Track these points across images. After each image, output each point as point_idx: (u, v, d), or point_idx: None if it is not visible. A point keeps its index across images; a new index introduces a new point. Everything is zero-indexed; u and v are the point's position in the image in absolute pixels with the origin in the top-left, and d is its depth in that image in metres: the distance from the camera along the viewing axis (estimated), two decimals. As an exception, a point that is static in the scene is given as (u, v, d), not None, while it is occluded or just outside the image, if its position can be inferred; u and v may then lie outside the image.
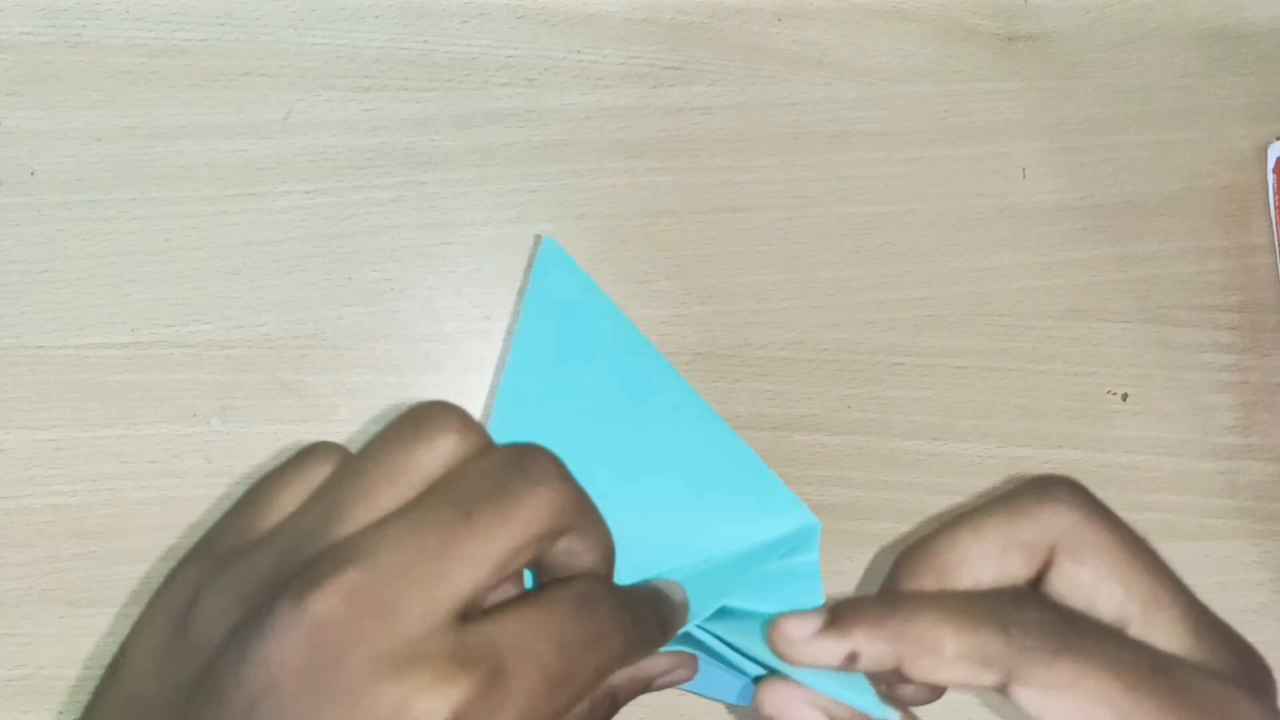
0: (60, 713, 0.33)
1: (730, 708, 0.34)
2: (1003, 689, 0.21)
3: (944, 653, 0.21)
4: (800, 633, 0.22)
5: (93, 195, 0.34)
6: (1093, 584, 0.22)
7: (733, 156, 0.35)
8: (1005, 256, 0.36)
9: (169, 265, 0.34)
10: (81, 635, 0.33)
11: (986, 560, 0.22)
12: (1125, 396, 0.36)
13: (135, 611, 0.33)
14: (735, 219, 0.35)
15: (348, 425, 0.34)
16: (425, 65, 0.34)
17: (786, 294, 0.35)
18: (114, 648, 0.32)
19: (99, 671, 0.33)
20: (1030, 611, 0.21)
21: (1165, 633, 0.22)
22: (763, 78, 0.35)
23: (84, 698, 0.33)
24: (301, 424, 0.33)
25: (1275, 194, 0.36)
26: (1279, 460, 0.36)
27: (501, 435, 0.22)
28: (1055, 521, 0.22)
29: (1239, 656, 0.23)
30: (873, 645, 0.21)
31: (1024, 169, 0.36)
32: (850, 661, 0.21)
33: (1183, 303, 0.36)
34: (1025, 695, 0.21)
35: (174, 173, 0.34)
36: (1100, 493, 0.35)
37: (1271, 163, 0.36)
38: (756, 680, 0.25)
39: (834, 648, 0.21)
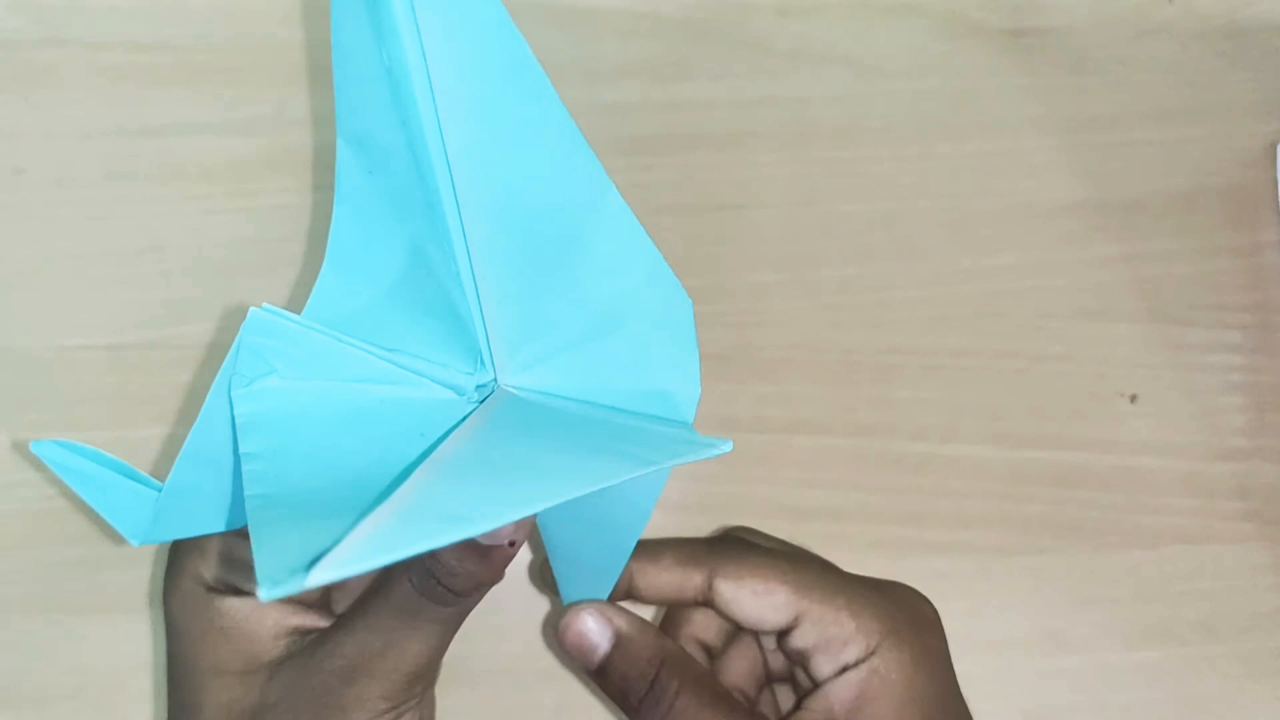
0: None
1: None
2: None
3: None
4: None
5: (80, 194, 0.33)
6: (752, 594, 0.27)
7: (735, 153, 0.35)
8: (1012, 255, 0.35)
9: (158, 265, 0.33)
10: (70, 642, 0.33)
11: (669, 572, 0.28)
12: (1134, 398, 0.35)
13: (125, 618, 0.32)
14: (737, 217, 0.35)
15: (342, 428, 0.33)
16: (420, 61, 0.34)
17: (789, 293, 0.34)
18: (103, 654, 0.32)
19: (86, 678, 0.32)
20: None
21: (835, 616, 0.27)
22: (765, 73, 0.35)
23: (71, 705, 0.32)
24: (294, 427, 0.33)
25: (1285, 191, 0.36)
26: (1290, 462, 0.35)
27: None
28: (714, 550, 0.28)
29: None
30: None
31: (1031, 166, 0.35)
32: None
33: (1192, 302, 0.36)
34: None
35: (163, 171, 0.33)
36: (1109, 495, 0.35)
37: (1281, 160, 0.36)
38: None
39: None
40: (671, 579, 0.27)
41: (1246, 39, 0.36)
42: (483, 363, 0.23)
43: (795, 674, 0.29)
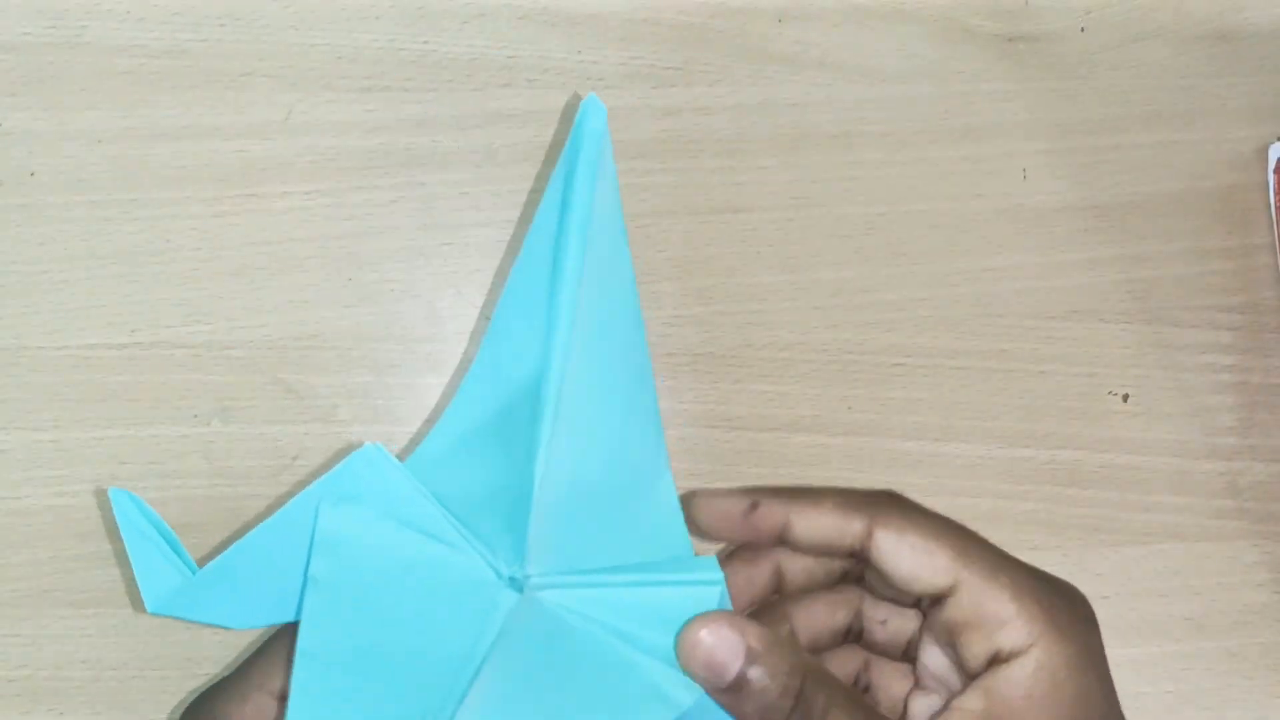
0: (61, 714, 0.33)
1: None
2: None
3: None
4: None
5: (93, 196, 0.34)
6: (912, 550, 0.25)
7: (733, 157, 0.35)
8: (1006, 257, 0.36)
9: (169, 266, 0.34)
10: (82, 636, 0.33)
11: (829, 516, 0.26)
12: (1126, 397, 0.36)
13: (136, 613, 0.33)
14: (736, 220, 0.35)
15: (348, 426, 0.34)
16: (426, 66, 0.34)
17: (787, 295, 0.35)
18: (115, 648, 0.33)
19: (100, 672, 0.33)
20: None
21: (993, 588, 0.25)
22: (764, 78, 0.35)
23: (85, 698, 0.33)
24: (302, 425, 0.33)
25: (1276, 195, 0.36)
26: (1279, 461, 0.36)
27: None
28: (876, 501, 0.26)
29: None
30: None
31: (1024, 170, 0.36)
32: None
33: (1183, 303, 0.36)
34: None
35: (174, 174, 0.34)
36: (1101, 494, 0.35)
37: (1272, 163, 0.36)
38: None
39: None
40: (831, 523, 0.26)
41: (1237, 44, 0.37)
42: (522, 559, 0.26)
43: (921, 656, 0.27)
